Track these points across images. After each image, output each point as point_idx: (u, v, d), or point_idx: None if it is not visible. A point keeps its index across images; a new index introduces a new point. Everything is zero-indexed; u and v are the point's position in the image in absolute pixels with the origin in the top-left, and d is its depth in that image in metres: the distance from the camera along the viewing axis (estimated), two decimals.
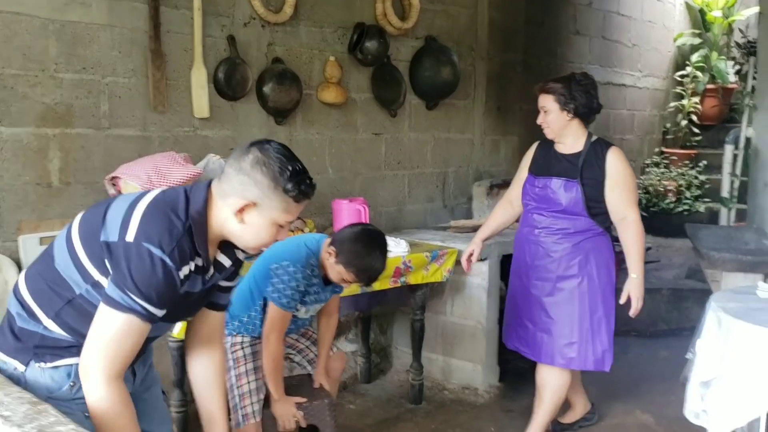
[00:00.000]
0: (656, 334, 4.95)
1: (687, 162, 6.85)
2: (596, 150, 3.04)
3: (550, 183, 3.04)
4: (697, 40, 7.08)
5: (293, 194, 1.67)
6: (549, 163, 3.11)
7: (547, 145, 3.18)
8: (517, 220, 3.31)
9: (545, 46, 5.57)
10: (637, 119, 6.91)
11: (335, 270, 2.56)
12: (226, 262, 1.83)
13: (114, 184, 3.04)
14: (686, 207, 6.48)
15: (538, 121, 3.12)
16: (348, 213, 3.63)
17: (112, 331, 1.60)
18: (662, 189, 6.61)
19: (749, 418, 2.31)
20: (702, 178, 6.63)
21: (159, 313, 1.64)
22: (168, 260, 1.59)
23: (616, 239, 3.13)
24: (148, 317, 1.62)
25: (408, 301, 3.60)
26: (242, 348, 2.64)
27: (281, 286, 2.52)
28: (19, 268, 2.86)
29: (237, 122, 3.61)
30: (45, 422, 1.40)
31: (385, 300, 3.62)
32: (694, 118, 6.97)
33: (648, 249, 6.08)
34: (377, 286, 3.28)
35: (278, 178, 1.66)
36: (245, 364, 2.62)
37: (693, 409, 2.59)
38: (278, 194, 1.67)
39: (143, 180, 2.89)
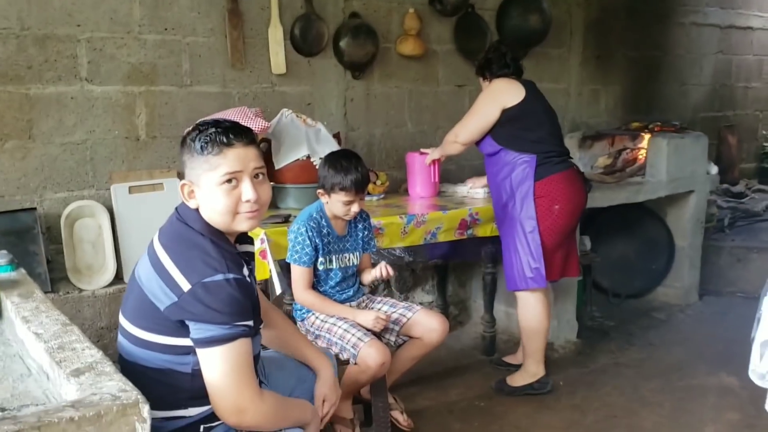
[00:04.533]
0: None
1: None
2: None
3: None
4: None
5: (203, 147, 1.64)
6: None
7: None
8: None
9: None
10: (766, 65, 6.33)
11: (333, 205, 2.66)
12: (251, 248, 1.91)
13: None
14: None
15: None
16: (420, 166, 3.66)
17: (233, 363, 1.60)
18: None
19: None
20: None
21: (254, 324, 1.67)
22: (231, 275, 1.60)
23: None
24: (251, 332, 1.65)
25: (479, 254, 3.60)
26: (316, 318, 2.74)
27: (291, 245, 2.67)
28: (111, 215, 3.16)
29: (314, 77, 3.72)
30: (67, 339, 1.59)
31: (455, 253, 3.63)
32: None
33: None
34: (442, 237, 3.31)
35: (187, 147, 1.68)
36: (325, 321, 2.70)
37: (757, 370, 2.43)
38: (195, 159, 1.66)
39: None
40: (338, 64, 3.78)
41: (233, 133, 1.67)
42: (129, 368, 1.70)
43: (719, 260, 4.75)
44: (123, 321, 1.76)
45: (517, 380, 3.29)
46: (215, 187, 1.66)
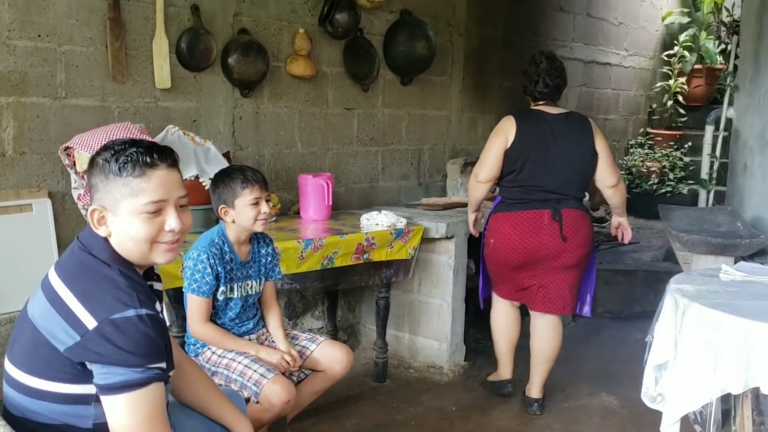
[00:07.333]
0: (631, 316, 4.91)
1: (672, 143, 6.79)
2: None
3: None
4: (686, 19, 6.99)
5: (122, 168, 1.48)
6: None
7: None
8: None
9: (527, 23, 5.48)
10: (622, 99, 6.83)
11: (241, 215, 2.52)
12: (159, 286, 1.73)
13: (69, 155, 2.97)
14: (669, 189, 6.44)
15: None
16: (312, 188, 3.57)
17: (145, 412, 1.43)
18: (645, 170, 6.56)
19: (702, 403, 2.27)
20: (686, 159, 6.58)
21: (166, 367, 1.51)
22: (143, 311, 1.44)
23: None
24: (164, 376, 1.50)
25: (373, 278, 3.55)
26: (213, 353, 2.58)
27: (189, 274, 2.50)
28: None
29: (201, 93, 3.53)
30: None
31: (350, 277, 3.55)
32: (681, 98, 6.90)
33: None
34: (338, 262, 3.24)
35: (99, 168, 1.51)
36: (222, 357, 2.54)
37: (649, 393, 2.56)
38: (111, 182, 1.49)
39: (96, 150, 2.82)
40: (226, 80, 3.61)
41: (157, 152, 1.52)
42: (17, 425, 1.47)
43: None
44: (10, 368, 1.53)
45: (492, 375, 3.62)
46: (135, 215, 1.50)
